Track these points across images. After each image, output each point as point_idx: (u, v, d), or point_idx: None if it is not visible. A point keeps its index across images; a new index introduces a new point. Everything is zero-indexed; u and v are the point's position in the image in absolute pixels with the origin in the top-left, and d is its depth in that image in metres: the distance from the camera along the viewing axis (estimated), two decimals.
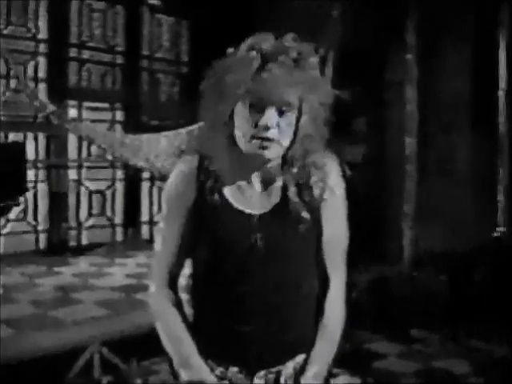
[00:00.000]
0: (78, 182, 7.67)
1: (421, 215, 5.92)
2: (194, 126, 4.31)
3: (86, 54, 7.75)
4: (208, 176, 1.60)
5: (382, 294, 5.27)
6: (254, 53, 1.51)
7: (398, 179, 6.05)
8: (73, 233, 7.59)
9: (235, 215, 1.59)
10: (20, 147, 6.28)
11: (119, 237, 8.04)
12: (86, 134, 5.55)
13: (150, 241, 7.24)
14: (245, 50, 1.53)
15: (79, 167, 7.69)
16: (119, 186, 8.01)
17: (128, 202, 8.06)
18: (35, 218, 7.32)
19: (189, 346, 1.61)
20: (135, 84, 8.11)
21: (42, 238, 7.36)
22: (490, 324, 4.69)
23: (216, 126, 1.57)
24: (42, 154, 7.34)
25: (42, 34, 7.33)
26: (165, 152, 4.65)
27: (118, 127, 7.99)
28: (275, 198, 1.61)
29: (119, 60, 8.03)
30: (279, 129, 1.52)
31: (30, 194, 7.01)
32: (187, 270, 1.70)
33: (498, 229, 5.58)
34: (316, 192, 1.60)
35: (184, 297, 1.70)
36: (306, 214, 1.58)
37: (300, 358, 1.63)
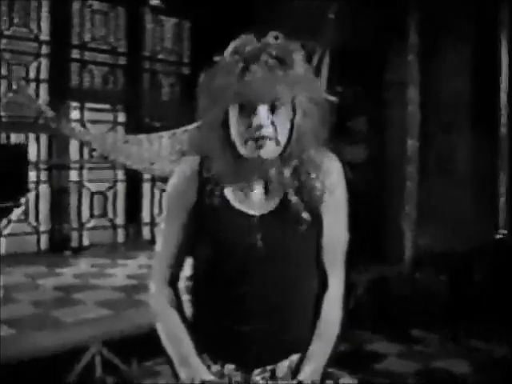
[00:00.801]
0: (80, 183, 7.69)
1: (421, 215, 5.92)
2: (191, 126, 4.30)
3: (87, 56, 7.77)
4: (209, 177, 1.61)
5: (382, 294, 5.27)
6: (237, 56, 1.53)
7: (398, 179, 6.04)
8: (74, 234, 7.61)
9: (236, 216, 1.60)
10: (22, 149, 6.30)
11: (120, 238, 8.06)
12: (81, 137, 5.58)
13: (152, 241, 7.24)
14: (228, 54, 1.55)
15: (81, 168, 7.71)
16: (120, 187, 8.03)
17: (129, 202, 8.07)
18: (37, 219, 7.34)
19: (188, 346, 1.62)
20: (137, 85, 8.12)
21: (44, 238, 7.38)
22: (490, 324, 4.68)
23: (212, 131, 1.58)
24: (43, 155, 7.36)
25: (44, 36, 7.35)
26: (161, 155, 4.65)
27: (120, 128, 8.01)
28: (275, 198, 1.61)
29: (121, 61, 8.05)
30: (273, 126, 1.53)
31: (31, 195, 7.03)
32: (187, 271, 1.71)
33: (499, 231, 5.57)
34: (316, 192, 1.61)
35: (184, 297, 1.71)
36: (306, 215, 1.59)
37: (295, 356, 1.63)
